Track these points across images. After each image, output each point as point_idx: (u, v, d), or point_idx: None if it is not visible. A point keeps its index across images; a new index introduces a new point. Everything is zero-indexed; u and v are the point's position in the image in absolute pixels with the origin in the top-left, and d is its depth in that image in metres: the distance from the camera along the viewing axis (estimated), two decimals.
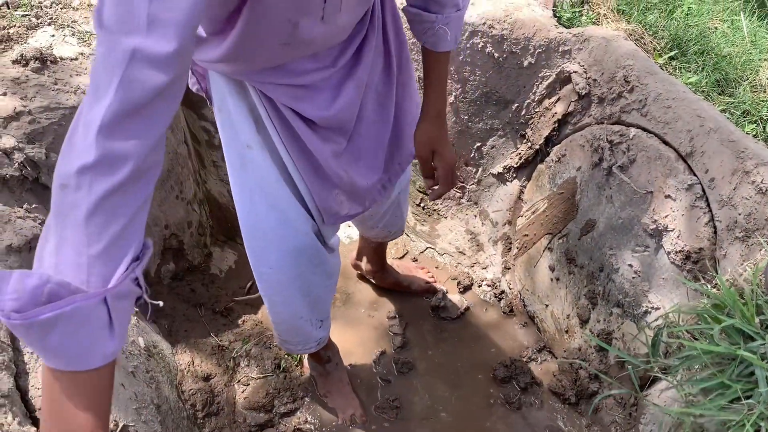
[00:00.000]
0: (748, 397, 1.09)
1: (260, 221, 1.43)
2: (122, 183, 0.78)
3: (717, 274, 1.40)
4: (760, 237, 1.41)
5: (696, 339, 1.25)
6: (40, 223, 1.54)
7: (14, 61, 1.69)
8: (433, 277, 2.30)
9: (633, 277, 1.75)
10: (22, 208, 1.54)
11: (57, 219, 0.79)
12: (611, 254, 1.83)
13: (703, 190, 1.59)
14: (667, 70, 2.08)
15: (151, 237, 1.96)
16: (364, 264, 2.23)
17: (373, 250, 2.16)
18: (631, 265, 1.76)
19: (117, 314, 0.82)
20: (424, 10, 1.34)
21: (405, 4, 1.38)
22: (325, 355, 1.94)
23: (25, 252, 1.46)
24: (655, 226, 1.68)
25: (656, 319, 1.64)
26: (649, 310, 1.69)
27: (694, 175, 1.61)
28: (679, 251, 1.61)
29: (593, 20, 2.21)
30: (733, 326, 1.16)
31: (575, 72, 1.93)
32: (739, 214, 1.47)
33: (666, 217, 1.66)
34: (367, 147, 1.49)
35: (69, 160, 0.78)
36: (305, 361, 2.01)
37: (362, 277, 2.30)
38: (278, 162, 1.37)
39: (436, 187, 1.60)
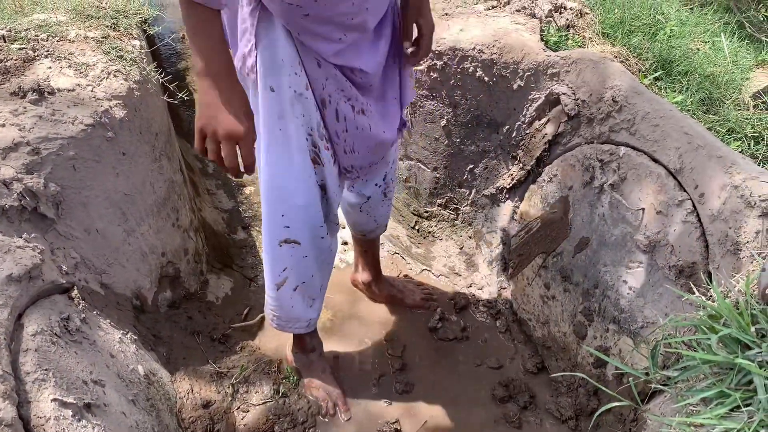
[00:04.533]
0: (747, 405, 1.10)
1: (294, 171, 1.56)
2: None
3: (711, 285, 1.42)
4: (751, 249, 1.43)
5: (694, 350, 1.27)
6: (39, 253, 1.54)
7: (12, 93, 1.71)
8: (431, 292, 2.33)
9: (628, 293, 1.78)
10: (21, 237, 1.55)
11: None
12: (606, 271, 1.85)
13: (694, 206, 1.62)
14: (653, 90, 2.13)
15: (148, 265, 1.96)
16: (360, 274, 2.28)
17: (366, 253, 2.23)
18: (625, 281, 1.79)
19: None
20: None
21: None
22: (311, 345, 2.01)
23: (25, 281, 1.46)
24: (648, 242, 1.71)
25: (652, 332, 1.66)
26: (645, 324, 1.71)
27: (684, 191, 1.65)
28: (673, 266, 1.64)
29: (579, 44, 2.26)
30: (729, 336, 1.18)
31: (564, 93, 1.97)
32: (730, 228, 1.50)
33: (658, 233, 1.69)
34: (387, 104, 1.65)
35: None
36: (288, 354, 2.06)
37: (360, 291, 2.34)
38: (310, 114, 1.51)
39: (413, 50, 1.63)
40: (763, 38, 2.73)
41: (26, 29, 1.93)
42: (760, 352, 1.14)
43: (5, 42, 1.89)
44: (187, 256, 2.15)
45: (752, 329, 1.17)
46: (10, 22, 1.97)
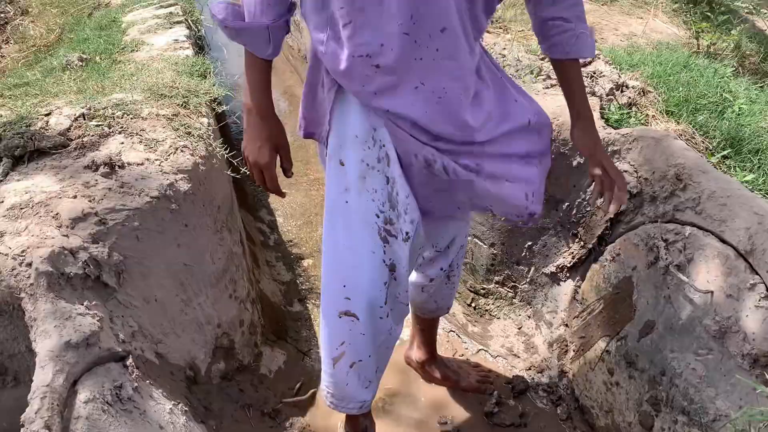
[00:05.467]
0: None
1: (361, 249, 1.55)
2: None
3: None
4: None
5: None
6: (98, 320, 1.58)
7: (86, 167, 1.81)
8: (487, 375, 2.24)
9: (698, 382, 1.66)
10: (82, 305, 1.59)
11: None
12: (673, 357, 1.74)
13: None
14: (721, 169, 2.05)
15: (203, 336, 1.98)
16: (415, 352, 2.22)
17: (424, 332, 2.17)
18: (694, 369, 1.67)
19: (273, 36, 1.40)
20: (564, 21, 1.45)
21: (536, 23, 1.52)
22: (363, 425, 1.93)
23: (82, 348, 1.49)
24: (718, 328, 1.60)
25: (724, 426, 1.53)
26: (718, 417, 1.59)
27: (757, 273, 1.55)
28: (747, 354, 1.53)
29: (642, 121, 2.22)
30: None
31: (626, 171, 1.93)
32: None
33: (729, 318, 1.59)
34: None
35: None
36: None
37: (413, 369, 2.27)
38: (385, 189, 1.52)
39: (601, 199, 1.61)
40: None
41: (104, 107, 2.06)
42: None
43: (85, 119, 2.01)
44: (242, 328, 2.16)
45: None
46: (91, 100, 2.11)
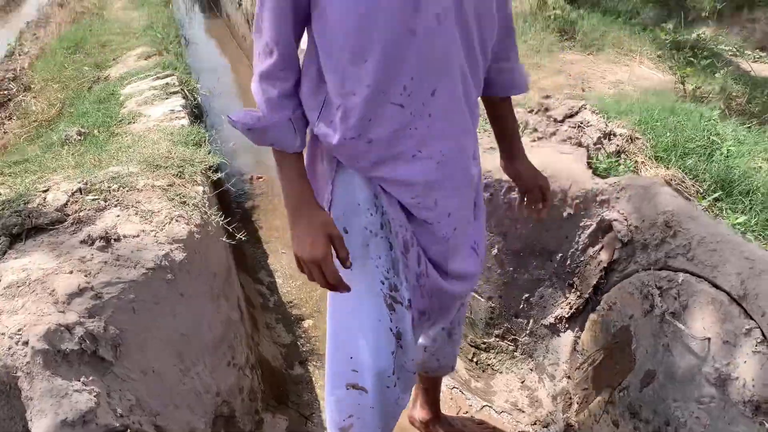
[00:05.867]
0: None
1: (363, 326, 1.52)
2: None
3: None
4: None
5: None
6: (95, 396, 1.58)
7: (82, 242, 1.84)
8: (492, 431, 2.20)
9: (702, 431, 1.64)
10: (79, 381, 1.59)
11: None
12: (676, 407, 1.72)
13: (764, 334, 1.51)
14: (713, 212, 2.06)
15: (202, 405, 1.97)
16: (418, 412, 2.18)
17: (427, 391, 2.14)
18: (698, 418, 1.65)
19: (297, 126, 1.39)
20: (506, 61, 1.57)
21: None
22: None
23: (79, 426, 1.49)
24: (717, 375, 1.59)
25: None
26: None
27: (752, 318, 1.55)
28: (748, 401, 1.51)
29: (632, 168, 2.25)
30: None
31: (616, 220, 1.94)
32: None
33: (728, 364, 1.57)
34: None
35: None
36: None
37: (417, 430, 2.23)
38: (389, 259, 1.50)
39: (537, 208, 1.75)
40: None
41: (100, 181, 2.10)
42: None
43: (81, 194, 2.05)
44: (242, 395, 2.14)
45: None
46: (88, 175, 2.16)
